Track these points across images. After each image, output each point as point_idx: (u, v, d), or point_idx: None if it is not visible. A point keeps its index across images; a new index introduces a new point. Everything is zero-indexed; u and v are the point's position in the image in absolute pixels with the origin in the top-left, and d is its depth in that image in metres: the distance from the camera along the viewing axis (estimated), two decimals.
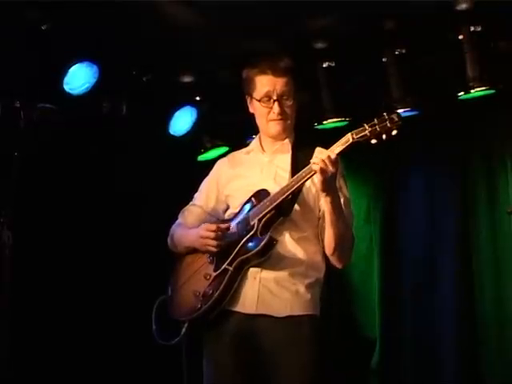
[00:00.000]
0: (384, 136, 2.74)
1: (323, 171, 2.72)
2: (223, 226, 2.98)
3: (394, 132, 2.74)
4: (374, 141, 2.75)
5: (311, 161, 2.78)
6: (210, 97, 4.90)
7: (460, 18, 4.21)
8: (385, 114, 2.75)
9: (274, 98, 2.98)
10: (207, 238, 2.96)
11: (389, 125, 2.73)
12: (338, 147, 2.79)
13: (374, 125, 2.74)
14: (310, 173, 2.83)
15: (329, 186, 2.77)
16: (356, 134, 2.77)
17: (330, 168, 2.73)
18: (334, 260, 2.98)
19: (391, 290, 5.01)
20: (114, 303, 4.64)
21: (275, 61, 3.00)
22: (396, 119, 2.74)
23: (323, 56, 4.56)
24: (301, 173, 2.85)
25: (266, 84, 2.99)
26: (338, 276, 4.68)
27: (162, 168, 4.84)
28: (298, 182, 2.86)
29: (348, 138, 2.78)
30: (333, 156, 2.74)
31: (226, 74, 4.60)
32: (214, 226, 2.97)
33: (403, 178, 5.13)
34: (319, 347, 2.91)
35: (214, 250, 2.97)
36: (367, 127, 2.75)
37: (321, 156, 2.74)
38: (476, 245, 4.82)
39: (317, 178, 2.80)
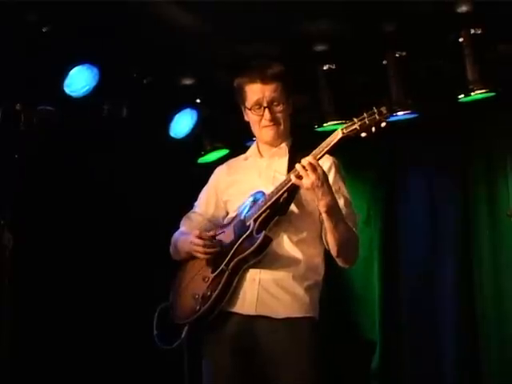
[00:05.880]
0: (373, 128, 2.75)
1: (305, 180, 2.76)
2: (209, 233, 3.00)
3: (383, 124, 2.74)
4: (363, 134, 2.76)
5: (296, 165, 2.80)
6: (211, 99, 4.91)
7: (460, 21, 4.21)
8: (374, 107, 2.76)
9: (264, 105, 3.00)
10: (196, 244, 2.99)
11: (377, 117, 2.73)
12: (327, 146, 2.81)
13: (363, 118, 2.75)
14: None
15: (317, 192, 2.78)
16: (346, 129, 2.78)
17: (311, 176, 2.75)
18: (339, 262, 2.99)
19: (391, 292, 5.02)
20: (114, 304, 4.65)
21: (264, 68, 3.02)
22: (384, 112, 2.74)
23: (323, 58, 4.56)
24: (293, 170, 2.85)
25: (255, 92, 3.01)
26: (338, 278, 4.68)
27: (163, 170, 4.84)
28: (290, 180, 2.86)
29: (338, 132, 2.80)
30: (312, 161, 2.77)
31: (226, 77, 4.60)
32: (197, 232, 3.00)
33: (403, 178, 5.14)
34: (318, 350, 2.92)
35: (200, 256, 3.00)
36: (356, 121, 2.76)
37: (301, 163, 2.78)
38: (476, 245, 4.83)
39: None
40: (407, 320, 4.98)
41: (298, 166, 2.79)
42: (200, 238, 2.98)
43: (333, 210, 2.83)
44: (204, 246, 2.97)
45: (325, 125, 4.63)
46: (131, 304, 4.58)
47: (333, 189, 2.87)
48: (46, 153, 4.21)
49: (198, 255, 3.01)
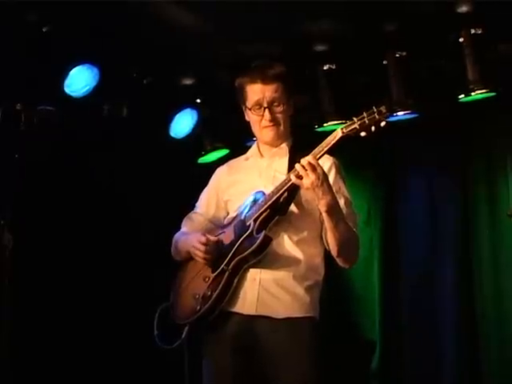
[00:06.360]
0: (373, 128, 2.76)
1: (305, 180, 2.76)
2: (213, 239, 3.00)
3: (383, 123, 2.75)
4: (363, 133, 2.77)
5: (296, 165, 2.81)
6: (211, 99, 4.91)
7: (460, 21, 4.21)
8: (373, 107, 2.77)
9: (265, 105, 3.01)
10: (197, 249, 2.99)
11: (377, 117, 2.74)
12: (326, 145, 2.82)
13: (363, 118, 2.76)
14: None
15: (317, 191, 2.78)
16: (346, 128, 2.79)
17: (311, 175, 2.76)
18: (340, 262, 2.99)
19: (391, 292, 5.02)
20: (115, 304, 4.65)
21: (265, 68, 3.02)
22: (384, 111, 2.75)
23: (324, 58, 4.56)
24: (293, 170, 2.85)
25: (256, 92, 3.02)
26: (338, 278, 4.68)
27: (163, 170, 4.84)
28: (290, 180, 2.87)
29: (338, 132, 2.81)
30: (312, 161, 2.77)
31: (226, 77, 4.60)
32: (203, 239, 2.99)
33: (403, 177, 5.14)
34: (319, 349, 2.92)
35: (200, 261, 3.00)
36: (356, 120, 2.77)
37: (300, 163, 2.78)
38: (476, 245, 4.83)
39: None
40: (407, 320, 4.98)
41: (297, 165, 2.80)
42: (204, 244, 2.98)
43: (333, 209, 2.83)
44: (205, 252, 2.98)
45: (325, 125, 4.62)
46: (132, 304, 4.58)
47: (333, 189, 2.87)
48: (46, 153, 4.21)
49: (197, 258, 3.02)
